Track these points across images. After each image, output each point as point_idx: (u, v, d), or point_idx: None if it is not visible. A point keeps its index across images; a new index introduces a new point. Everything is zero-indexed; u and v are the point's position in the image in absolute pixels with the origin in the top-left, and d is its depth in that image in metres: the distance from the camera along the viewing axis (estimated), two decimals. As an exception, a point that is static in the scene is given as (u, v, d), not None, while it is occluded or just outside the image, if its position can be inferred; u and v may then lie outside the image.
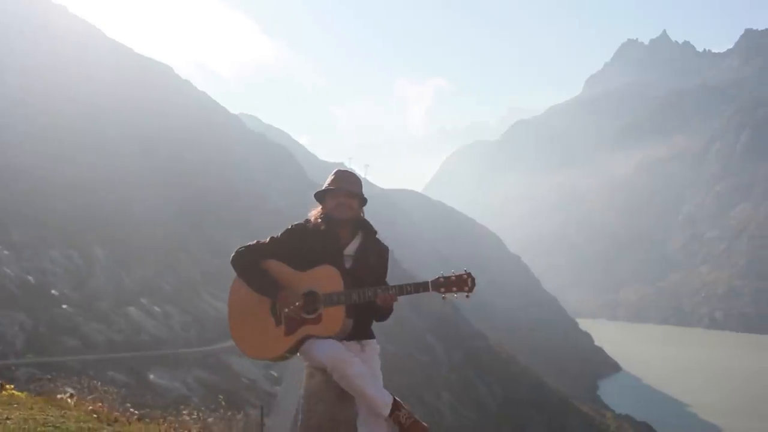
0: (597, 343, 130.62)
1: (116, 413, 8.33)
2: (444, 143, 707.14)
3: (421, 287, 4.93)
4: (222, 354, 43.79)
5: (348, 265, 5.12)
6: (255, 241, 5.21)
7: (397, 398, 4.85)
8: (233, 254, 5.12)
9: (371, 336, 5.20)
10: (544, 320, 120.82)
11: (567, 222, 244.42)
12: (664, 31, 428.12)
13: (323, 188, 5.31)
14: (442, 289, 4.90)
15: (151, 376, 33.31)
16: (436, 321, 72.36)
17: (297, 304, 4.92)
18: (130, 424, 7.85)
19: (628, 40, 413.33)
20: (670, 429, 79.07)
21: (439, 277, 4.94)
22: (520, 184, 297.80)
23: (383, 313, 5.17)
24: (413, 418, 4.80)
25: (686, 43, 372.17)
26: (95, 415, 7.79)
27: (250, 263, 5.10)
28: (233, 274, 5.03)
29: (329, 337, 4.94)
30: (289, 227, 5.28)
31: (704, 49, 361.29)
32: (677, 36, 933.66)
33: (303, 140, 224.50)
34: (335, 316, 4.95)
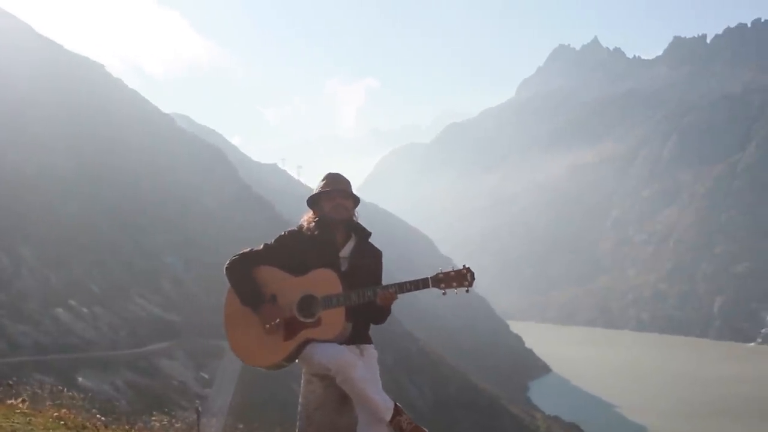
0: (527, 344, 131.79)
1: (81, 419, 8.18)
2: (377, 145, 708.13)
3: (420, 284, 4.96)
4: (152, 356, 43.34)
5: (344, 267, 5.12)
6: (249, 249, 5.18)
7: (398, 403, 4.88)
8: (227, 263, 5.14)
9: (369, 340, 5.23)
10: (474, 322, 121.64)
11: (498, 224, 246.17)
12: (596, 37, 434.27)
13: (317, 191, 5.31)
14: (442, 285, 4.96)
15: (80, 379, 32.85)
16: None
17: (274, 322, 4.90)
18: (98, 430, 7.72)
19: (560, 45, 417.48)
20: (599, 429, 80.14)
21: (438, 273, 4.98)
22: (453, 186, 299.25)
23: (382, 314, 5.18)
24: (414, 424, 4.85)
25: (617, 50, 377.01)
26: (62, 422, 7.66)
27: (242, 272, 5.08)
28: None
29: (329, 341, 4.92)
30: (282, 233, 5.27)
31: (634, 56, 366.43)
32: (608, 42, 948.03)
33: (235, 141, 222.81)
34: (335, 319, 4.95)
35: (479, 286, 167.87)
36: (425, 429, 4.87)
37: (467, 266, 5.06)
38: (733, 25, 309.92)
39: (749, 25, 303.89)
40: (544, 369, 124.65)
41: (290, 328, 4.96)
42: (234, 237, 73.70)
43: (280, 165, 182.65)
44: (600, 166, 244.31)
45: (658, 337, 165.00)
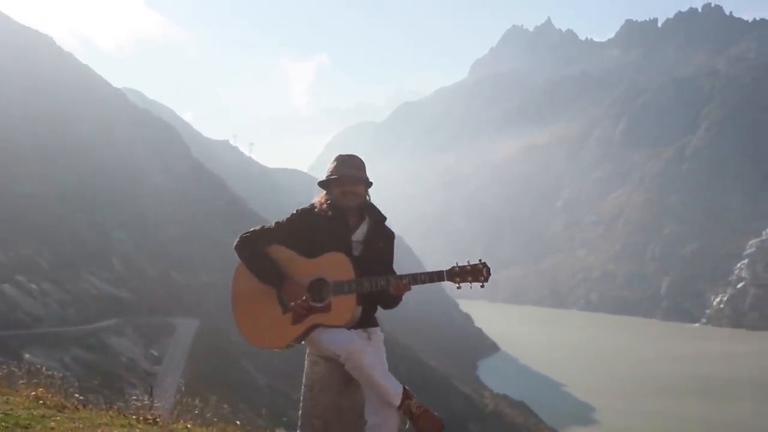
0: (477, 323, 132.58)
1: (60, 399, 8.08)
2: (330, 123, 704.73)
3: (435, 276, 4.86)
4: (101, 333, 43.04)
5: (357, 251, 5.04)
6: (260, 227, 5.05)
7: (406, 387, 4.83)
8: (237, 240, 4.99)
9: (376, 323, 5.14)
10: (424, 301, 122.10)
11: (450, 204, 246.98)
12: (549, 18, 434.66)
13: (326, 177, 5.19)
14: (457, 279, 4.83)
15: (27, 356, 32.50)
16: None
17: (304, 297, 4.81)
18: (78, 410, 7.64)
19: (514, 26, 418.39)
20: (546, 408, 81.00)
21: (454, 267, 4.86)
22: (406, 165, 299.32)
23: (393, 301, 5.09)
24: (423, 408, 4.76)
25: (569, 31, 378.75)
26: (41, 402, 7.57)
27: (255, 250, 4.96)
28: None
29: (339, 326, 4.85)
30: (295, 212, 5.14)
31: (586, 38, 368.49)
32: (561, 24, 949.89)
33: (187, 117, 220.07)
34: (346, 305, 4.86)
35: (430, 265, 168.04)
36: (435, 413, 4.86)
37: (483, 261, 4.91)
38: (684, 9, 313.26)
39: (699, 10, 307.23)
40: (493, 348, 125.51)
41: (299, 311, 4.88)
42: (186, 213, 73.33)
43: (232, 142, 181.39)
44: (552, 148, 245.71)
45: (606, 316, 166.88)
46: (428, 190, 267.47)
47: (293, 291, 4.87)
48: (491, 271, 4.93)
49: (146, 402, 8.39)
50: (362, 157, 5.58)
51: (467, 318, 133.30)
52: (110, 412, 7.59)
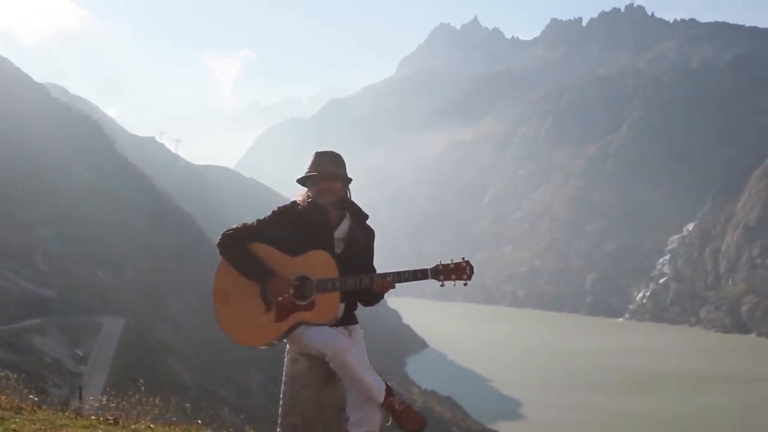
0: (405, 320, 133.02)
1: (17, 401, 7.88)
2: (257, 119, 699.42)
3: (419, 274, 4.95)
4: (24, 332, 42.26)
5: (339, 249, 5.02)
6: (241, 224, 5.00)
7: (389, 384, 4.84)
8: (219, 237, 4.94)
9: (356, 321, 5.18)
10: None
11: (377, 201, 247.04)
12: (476, 16, 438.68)
13: (304, 174, 5.19)
14: (441, 277, 4.98)
15: (-53, 356, 31.75)
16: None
17: (290, 292, 4.77)
18: (36, 412, 7.45)
19: (441, 23, 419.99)
20: (473, 403, 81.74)
21: (437, 265, 4.98)
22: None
23: (375, 299, 5.12)
24: (406, 405, 4.79)
25: (495, 30, 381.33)
26: None
27: (238, 247, 4.89)
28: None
29: (322, 324, 4.83)
30: (276, 210, 5.11)
31: (512, 36, 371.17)
32: (488, 22, 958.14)
33: (112, 113, 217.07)
34: (329, 303, 4.86)
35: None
36: (417, 410, 4.85)
37: (467, 260, 5.08)
38: (607, 9, 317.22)
39: (622, 10, 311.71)
40: (421, 344, 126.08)
41: (283, 308, 4.85)
42: (111, 210, 72.26)
43: (158, 138, 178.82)
44: (478, 145, 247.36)
45: (532, 312, 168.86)
46: (355, 186, 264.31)
47: (279, 287, 4.81)
48: (473, 270, 5.12)
49: (80, 404, 8.27)
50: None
51: (396, 315, 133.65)
52: (67, 413, 7.44)
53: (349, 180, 5.35)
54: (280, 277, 4.85)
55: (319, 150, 5.39)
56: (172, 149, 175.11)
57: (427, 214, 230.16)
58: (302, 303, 4.85)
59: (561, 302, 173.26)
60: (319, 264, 4.88)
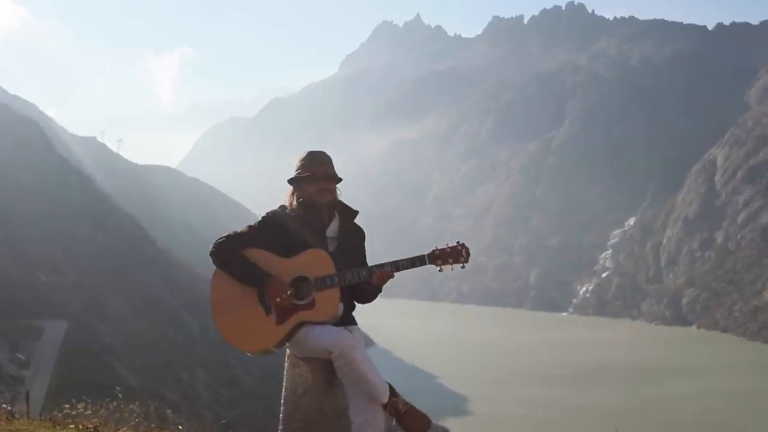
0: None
1: None
2: (199, 119, 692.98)
3: (417, 261, 5.03)
4: (-37, 338, 41.56)
5: (331, 247, 5.01)
6: (232, 231, 4.98)
7: (391, 384, 4.82)
8: (212, 247, 4.87)
9: (355, 321, 5.09)
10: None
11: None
12: (418, 14, 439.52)
13: (300, 174, 5.16)
14: (439, 262, 5.03)
15: None
16: (191, 298, 71.56)
17: (289, 292, 4.75)
18: (12, 421, 7.28)
19: (384, 21, 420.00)
20: (420, 400, 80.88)
21: (434, 250, 5.08)
22: (276, 161, 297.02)
23: (374, 293, 5.07)
24: (409, 405, 4.82)
25: (438, 27, 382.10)
26: None
27: (232, 254, 4.85)
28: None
29: (323, 323, 4.78)
30: (266, 214, 5.09)
31: (455, 34, 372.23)
32: (430, 20, 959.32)
33: (51, 112, 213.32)
34: (330, 300, 4.81)
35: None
36: (421, 410, 4.81)
37: (462, 242, 5.14)
38: (548, 7, 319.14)
39: (563, 8, 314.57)
40: (367, 342, 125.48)
41: (283, 310, 4.81)
42: (51, 212, 71.30)
43: (99, 138, 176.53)
44: (421, 143, 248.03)
45: (477, 308, 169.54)
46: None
47: (276, 289, 4.79)
48: (470, 252, 5.12)
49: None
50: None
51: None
52: (43, 422, 7.31)
53: (340, 180, 5.51)
54: (277, 279, 4.82)
55: (312, 150, 5.48)
56: (114, 149, 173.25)
57: (371, 213, 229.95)
58: (302, 302, 4.82)
59: (505, 298, 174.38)
60: (315, 262, 4.87)
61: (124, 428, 7.71)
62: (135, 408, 8.60)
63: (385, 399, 4.82)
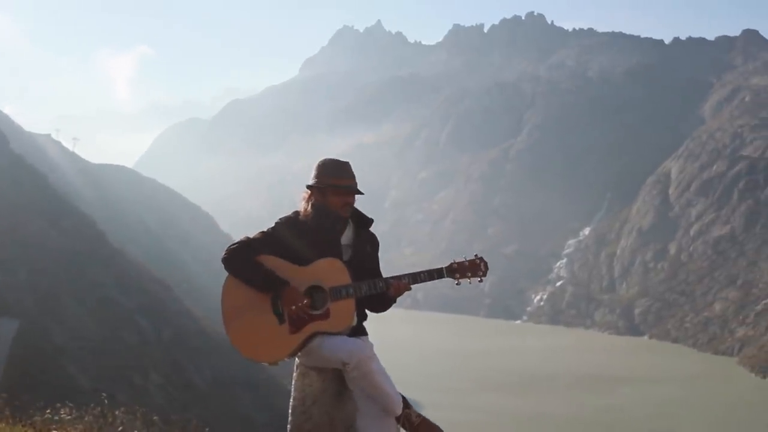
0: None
1: None
2: (157, 119, 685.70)
3: (435, 274, 5.02)
4: None
5: (346, 256, 4.99)
6: (245, 237, 4.89)
7: (404, 396, 4.85)
8: (224, 253, 4.81)
9: (366, 332, 5.18)
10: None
11: (278, 203, 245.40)
12: (379, 20, 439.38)
13: (329, 183, 5.07)
14: (457, 275, 5.00)
15: None
16: (145, 300, 70.96)
17: (305, 301, 4.69)
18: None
19: (345, 26, 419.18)
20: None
21: (452, 263, 5.00)
22: (234, 163, 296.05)
23: (388, 304, 5.14)
24: (422, 417, 4.81)
25: (399, 34, 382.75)
26: None
27: (246, 260, 4.76)
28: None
29: (339, 332, 4.80)
30: (279, 220, 5.00)
31: (415, 41, 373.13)
32: (391, 26, 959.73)
33: (6, 110, 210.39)
34: (345, 311, 4.84)
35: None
36: (434, 423, 4.77)
37: (480, 256, 5.11)
38: (509, 16, 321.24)
39: (523, 18, 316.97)
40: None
41: (297, 319, 4.75)
42: (4, 209, 70.40)
43: (54, 136, 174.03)
44: (380, 148, 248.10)
45: (432, 314, 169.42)
46: (257, 188, 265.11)
47: (291, 298, 4.73)
48: (488, 266, 5.12)
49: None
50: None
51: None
52: (24, 427, 7.20)
53: (361, 194, 5.34)
54: (293, 287, 4.77)
55: (339, 159, 5.37)
56: (70, 147, 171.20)
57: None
58: (316, 312, 4.78)
59: (460, 305, 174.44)
60: (330, 272, 4.84)
61: None
62: (120, 414, 8.51)
63: (399, 411, 4.86)
